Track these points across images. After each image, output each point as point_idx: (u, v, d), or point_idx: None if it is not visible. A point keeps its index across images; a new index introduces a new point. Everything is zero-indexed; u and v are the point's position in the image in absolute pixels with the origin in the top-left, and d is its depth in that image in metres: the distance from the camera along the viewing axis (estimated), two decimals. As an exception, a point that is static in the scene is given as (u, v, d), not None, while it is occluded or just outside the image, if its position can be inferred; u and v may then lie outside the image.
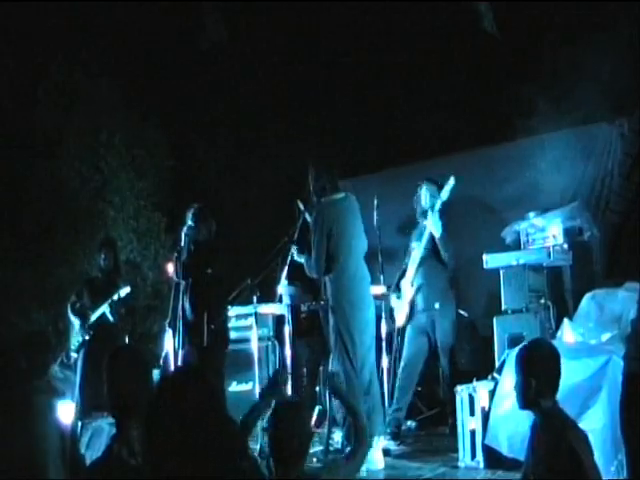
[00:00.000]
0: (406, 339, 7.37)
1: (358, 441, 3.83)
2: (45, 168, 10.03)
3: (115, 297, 8.25)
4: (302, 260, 6.59)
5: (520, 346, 4.21)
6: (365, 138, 9.80)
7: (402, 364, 7.31)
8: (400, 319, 7.44)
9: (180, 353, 7.20)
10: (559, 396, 5.49)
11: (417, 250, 7.35)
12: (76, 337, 8.42)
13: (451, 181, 7.10)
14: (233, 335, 7.87)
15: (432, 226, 7.19)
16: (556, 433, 3.59)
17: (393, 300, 7.55)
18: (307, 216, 7.16)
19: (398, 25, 9.20)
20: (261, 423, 5.52)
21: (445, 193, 7.17)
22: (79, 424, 6.63)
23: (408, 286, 7.40)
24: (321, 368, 7.60)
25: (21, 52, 9.70)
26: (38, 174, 10.01)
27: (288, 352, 7.75)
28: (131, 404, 3.53)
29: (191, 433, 2.45)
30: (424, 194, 7.39)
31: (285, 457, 3.46)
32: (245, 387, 7.88)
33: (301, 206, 7.25)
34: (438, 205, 7.20)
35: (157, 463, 2.48)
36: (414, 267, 7.35)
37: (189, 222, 7.34)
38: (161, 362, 7.83)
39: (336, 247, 6.30)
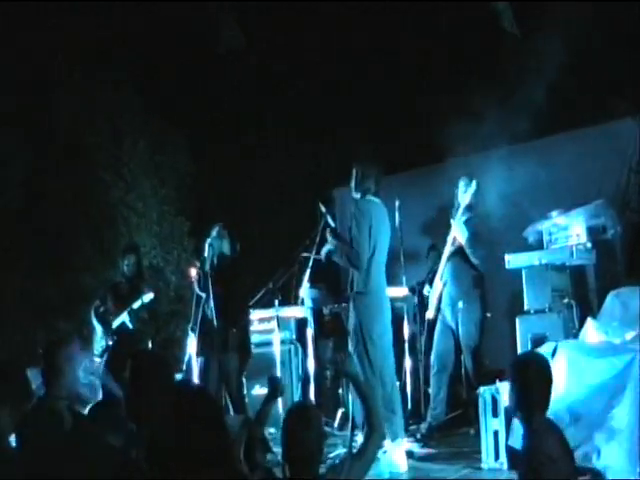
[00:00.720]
0: (435, 334, 7.41)
1: (368, 437, 3.75)
2: (69, 175, 10.10)
3: (138, 303, 8.29)
4: (333, 247, 6.52)
5: (515, 358, 4.17)
6: (386, 139, 9.76)
7: (432, 361, 7.36)
8: (430, 312, 7.49)
9: (199, 360, 7.25)
10: (584, 395, 5.50)
11: (447, 246, 7.37)
12: (99, 342, 8.46)
13: (473, 185, 7.10)
14: (255, 338, 7.88)
15: (456, 232, 7.23)
16: (540, 445, 3.56)
17: (425, 292, 7.65)
18: (329, 218, 7.17)
19: (418, 25, 9.17)
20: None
21: (467, 196, 7.16)
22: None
23: (438, 280, 7.45)
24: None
25: (43, 58, 9.77)
26: (61, 182, 10.08)
27: (310, 355, 7.77)
28: (150, 409, 3.53)
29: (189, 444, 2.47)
30: (460, 190, 7.40)
31: (298, 461, 3.44)
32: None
33: (323, 208, 7.26)
34: (461, 211, 7.22)
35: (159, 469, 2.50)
36: (443, 262, 7.40)
37: (214, 234, 7.39)
38: (184, 366, 7.84)
39: (370, 248, 6.31)
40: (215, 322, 7.17)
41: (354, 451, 6.09)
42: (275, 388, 4.36)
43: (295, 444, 3.44)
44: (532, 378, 3.75)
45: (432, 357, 7.38)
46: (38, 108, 9.75)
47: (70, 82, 10.12)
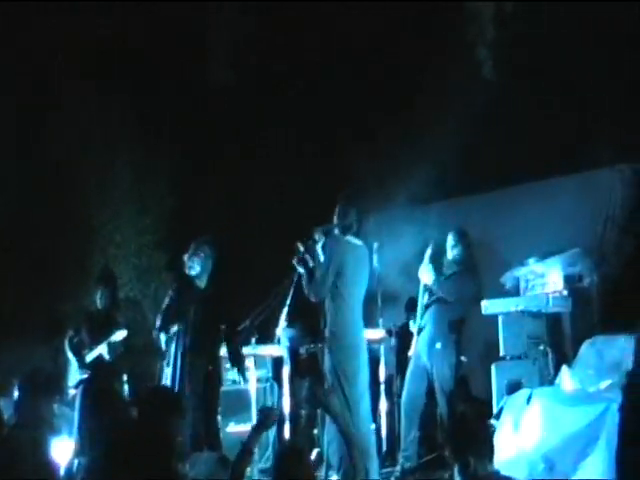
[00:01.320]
0: (407, 375, 7.36)
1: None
2: (52, 202, 10.11)
3: (114, 337, 8.25)
4: (303, 274, 6.54)
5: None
6: (363, 180, 9.85)
7: (403, 402, 7.31)
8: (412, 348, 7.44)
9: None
10: (559, 443, 5.52)
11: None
12: (74, 374, 8.40)
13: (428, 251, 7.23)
14: (231, 376, 7.86)
15: (423, 274, 7.27)
16: None
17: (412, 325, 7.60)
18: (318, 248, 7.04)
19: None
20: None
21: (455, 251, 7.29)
22: (76, 462, 6.60)
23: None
24: (319, 411, 7.57)
25: (28, 88, 9.81)
26: (45, 207, 10.09)
27: (286, 394, 7.74)
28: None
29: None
30: (449, 244, 7.47)
31: None
32: (242, 428, 7.83)
33: (301, 248, 7.16)
34: (428, 254, 7.26)
35: None
36: (420, 305, 7.41)
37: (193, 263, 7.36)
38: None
39: (346, 288, 6.33)
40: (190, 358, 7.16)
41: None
42: (267, 417, 4.32)
43: None
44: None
45: (403, 398, 7.33)
46: (28, 132, 9.79)
47: (61, 107, 10.18)
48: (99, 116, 10.36)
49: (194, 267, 7.34)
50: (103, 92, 10.12)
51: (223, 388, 7.70)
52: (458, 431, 3.87)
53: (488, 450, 3.80)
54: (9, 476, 4.16)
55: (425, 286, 7.36)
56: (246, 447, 4.19)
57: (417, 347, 7.35)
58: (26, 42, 9.41)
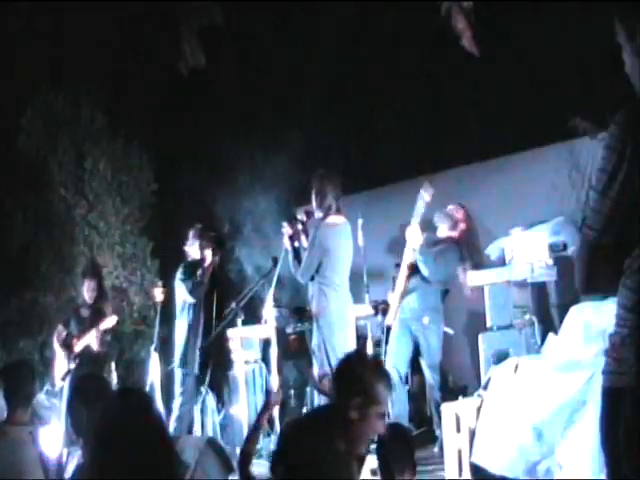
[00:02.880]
0: (392, 341, 7.19)
1: None
2: (30, 195, 10.05)
3: (102, 326, 8.27)
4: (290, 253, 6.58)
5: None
6: (350, 157, 9.81)
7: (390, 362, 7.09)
8: (390, 317, 7.29)
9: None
10: (546, 411, 5.51)
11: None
12: (61, 365, 8.40)
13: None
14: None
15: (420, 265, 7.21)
16: None
17: (389, 295, 7.44)
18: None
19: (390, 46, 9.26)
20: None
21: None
22: (65, 452, 6.58)
23: (398, 289, 7.28)
24: (308, 389, 7.57)
25: (4, 79, 9.72)
26: (23, 201, 10.03)
27: (275, 374, 7.72)
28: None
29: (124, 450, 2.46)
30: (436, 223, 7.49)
31: None
32: (233, 410, 7.82)
33: (299, 216, 7.07)
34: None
35: None
36: (403, 272, 7.25)
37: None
38: (147, 388, 7.78)
39: (330, 267, 6.42)
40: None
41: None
42: (274, 397, 4.40)
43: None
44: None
45: (389, 364, 7.06)
46: (2, 124, 9.71)
47: (34, 100, 10.11)
48: (76, 105, 10.28)
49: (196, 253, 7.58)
50: (78, 82, 10.04)
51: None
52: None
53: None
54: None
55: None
56: (255, 426, 4.28)
57: (403, 316, 7.25)
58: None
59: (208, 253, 7.43)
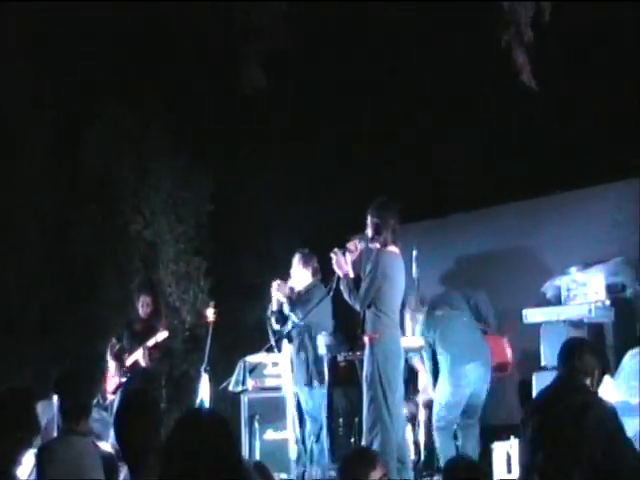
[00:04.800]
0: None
1: None
2: (94, 209, 10.23)
3: (152, 342, 8.34)
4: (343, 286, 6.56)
5: None
6: (403, 187, 9.81)
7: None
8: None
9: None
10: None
11: None
12: (113, 379, 8.48)
13: None
14: (269, 382, 7.86)
15: None
16: None
17: None
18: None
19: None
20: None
21: None
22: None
23: None
24: (356, 419, 7.52)
25: (69, 95, 9.93)
26: (87, 215, 10.21)
27: (324, 402, 7.71)
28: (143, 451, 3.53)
29: (202, 474, 2.44)
30: None
31: None
32: (279, 435, 7.82)
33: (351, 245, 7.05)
34: None
35: None
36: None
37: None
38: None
39: (386, 296, 6.34)
40: None
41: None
42: None
43: None
44: None
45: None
46: (68, 140, 9.90)
47: (101, 116, 10.29)
48: (137, 124, 10.43)
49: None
50: (139, 100, 10.20)
51: (260, 395, 7.75)
52: None
53: None
54: None
55: None
56: None
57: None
58: (56, 56, 9.50)
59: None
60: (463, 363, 6.83)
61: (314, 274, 7.61)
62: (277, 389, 7.95)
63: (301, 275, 7.62)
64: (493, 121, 8.94)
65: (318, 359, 7.22)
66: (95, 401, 8.79)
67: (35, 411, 4.21)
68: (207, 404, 7.48)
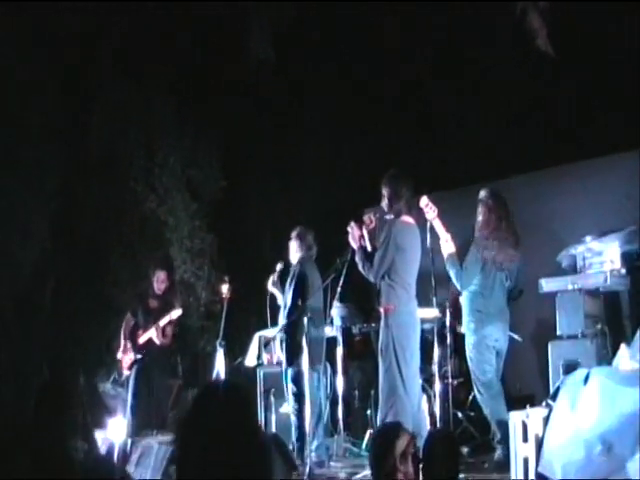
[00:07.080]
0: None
1: None
2: (102, 187, 10.21)
3: (166, 320, 8.36)
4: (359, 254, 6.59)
5: None
6: (418, 158, 9.74)
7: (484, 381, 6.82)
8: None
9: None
10: (617, 424, 5.40)
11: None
12: (128, 356, 8.51)
13: None
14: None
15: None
16: None
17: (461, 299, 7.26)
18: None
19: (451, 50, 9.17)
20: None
21: None
22: (129, 442, 6.69)
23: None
24: (372, 392, 7.53)
25: (73, 74, 9.89)
26: (95, 193, 10.19)
27: (340, 374, 7.72)
28: None
29: (222, 447, 2.44)
30: None
31: None
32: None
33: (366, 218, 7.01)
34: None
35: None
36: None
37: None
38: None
39: (401, 268, 6.40)
40: None
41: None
42: None
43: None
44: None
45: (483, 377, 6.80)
46: (74, 120, 9.87)
47: (105, 94, 10.25)
48: (145, 101, 10.40)
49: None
50: (148, 78, 10.16)
51: (275, 369, 7.77)
52: None
53: None
54: None
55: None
56: None
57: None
58: (65, 36, 9.44)
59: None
60: None
61: (309, 249, 7.63)
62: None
63: (295, 248, 7.71)
64: (508, 89, 8.84)
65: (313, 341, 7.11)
66: (112, 378, 8.92)
67: (79, 391, 4.28)
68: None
